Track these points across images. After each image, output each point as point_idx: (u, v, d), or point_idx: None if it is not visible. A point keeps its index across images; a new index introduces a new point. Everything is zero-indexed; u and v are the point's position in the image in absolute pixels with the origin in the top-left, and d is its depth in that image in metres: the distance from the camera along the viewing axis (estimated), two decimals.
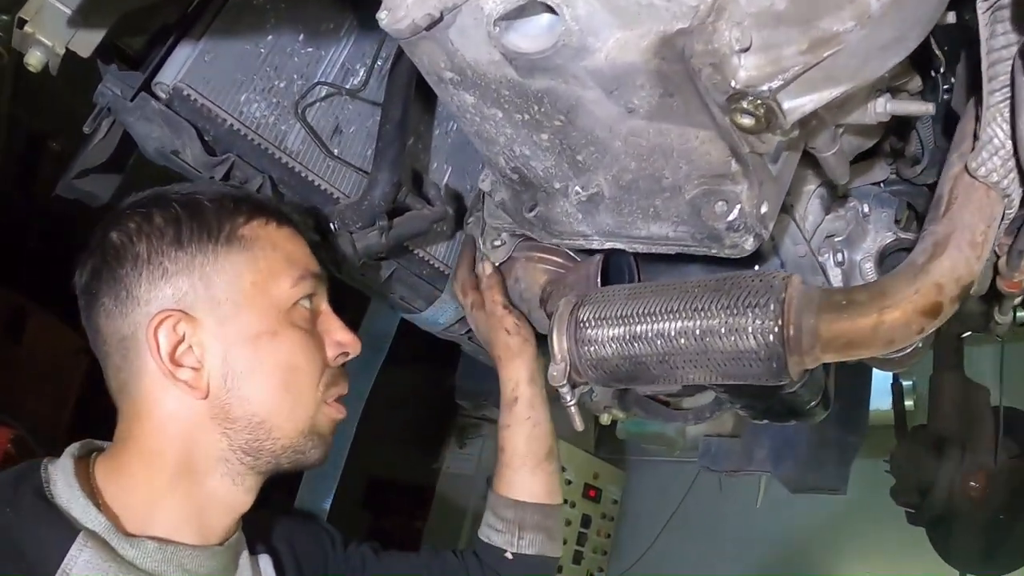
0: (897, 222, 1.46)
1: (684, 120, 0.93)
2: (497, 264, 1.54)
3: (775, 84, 0.79)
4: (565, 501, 4.68)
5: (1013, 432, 2.10)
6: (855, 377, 2.18)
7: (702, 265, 1.50)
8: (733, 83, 0.80)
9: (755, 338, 1.00)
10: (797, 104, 0.83)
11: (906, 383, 2.42)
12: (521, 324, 1.49)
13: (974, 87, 1.02)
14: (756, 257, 1.45)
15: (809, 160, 1.20)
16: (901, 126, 1.29)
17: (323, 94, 1.51)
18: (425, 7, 0.94)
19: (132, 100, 1.27)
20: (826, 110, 0.91)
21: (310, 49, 1.50)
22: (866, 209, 1.42)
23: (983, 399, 2.14)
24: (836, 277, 1.41)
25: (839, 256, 1.44)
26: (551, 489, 1.49)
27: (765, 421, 2.07)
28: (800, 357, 1.02)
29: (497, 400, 1.52)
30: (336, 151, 1.51)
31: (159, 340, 0.98)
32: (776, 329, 0.99)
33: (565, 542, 4.69)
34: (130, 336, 1.00)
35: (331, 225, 1.44)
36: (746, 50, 0.79)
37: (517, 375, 1.47)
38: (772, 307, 1.00)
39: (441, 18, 0.94)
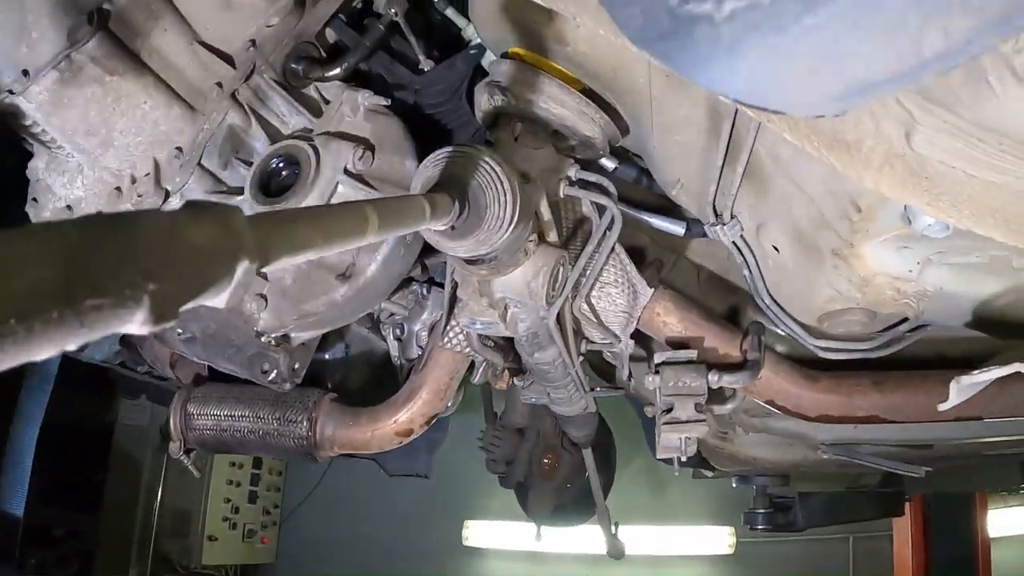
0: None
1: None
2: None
3: (279, 331, 1.34)
4: None
5: (568, 429, 2.57)
6: None
7: None
8: (256, 328, 1.33)
9: (294, 442, 1.57)
10: (301, 336, 1.38)
11: None
12: None
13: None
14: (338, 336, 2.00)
15: None
16: None
17: None
18: None
19: None
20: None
21: None
22: (425, 292, 1.99)
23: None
24: (394, 347, 1.98)
25: (397, 331, 2.00)
26: None
27: None
28: (325, 452, 1.60)
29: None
30: None
31: None
32: (307, 436, 1.57)
33: (239, 485, 5.19)
34: None
35: None
36: (264, 310, 1.33)
37: None
38: (305, 424, 1.56)
39: None
